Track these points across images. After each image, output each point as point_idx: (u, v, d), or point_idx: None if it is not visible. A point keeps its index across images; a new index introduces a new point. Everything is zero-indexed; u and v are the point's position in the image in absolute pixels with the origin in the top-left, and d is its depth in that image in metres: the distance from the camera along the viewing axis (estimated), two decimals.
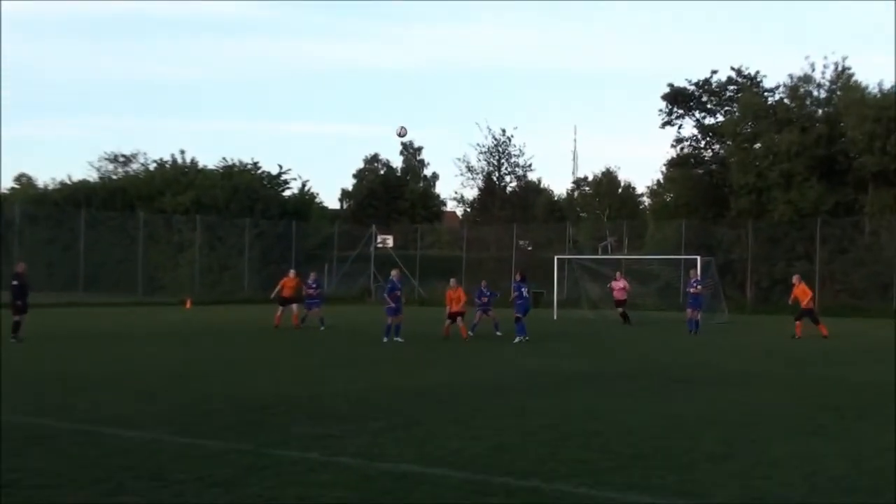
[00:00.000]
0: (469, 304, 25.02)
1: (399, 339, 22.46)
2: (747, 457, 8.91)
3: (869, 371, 16.88)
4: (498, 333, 24.65)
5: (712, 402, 12.43)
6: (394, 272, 23.91)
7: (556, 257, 39.46)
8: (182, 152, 57.16)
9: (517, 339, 22.89)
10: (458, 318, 23.59)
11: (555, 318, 35.11)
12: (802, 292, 26.36)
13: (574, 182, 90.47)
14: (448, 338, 23.44)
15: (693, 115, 53.19)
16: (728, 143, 48.70)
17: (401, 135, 25.88)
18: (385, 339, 22.30)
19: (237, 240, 50.91)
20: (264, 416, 10.95)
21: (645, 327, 30.70)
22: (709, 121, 53.01)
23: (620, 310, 32.33)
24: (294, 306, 27.01)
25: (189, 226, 50.30)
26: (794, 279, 27.09)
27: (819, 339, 24.71)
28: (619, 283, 32.85)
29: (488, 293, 26.05)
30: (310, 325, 26.81)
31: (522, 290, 23.95)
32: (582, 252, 55.63)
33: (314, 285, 27.58)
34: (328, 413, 11.23)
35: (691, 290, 28.48)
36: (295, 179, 61.72)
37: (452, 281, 24.73)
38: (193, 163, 57.47)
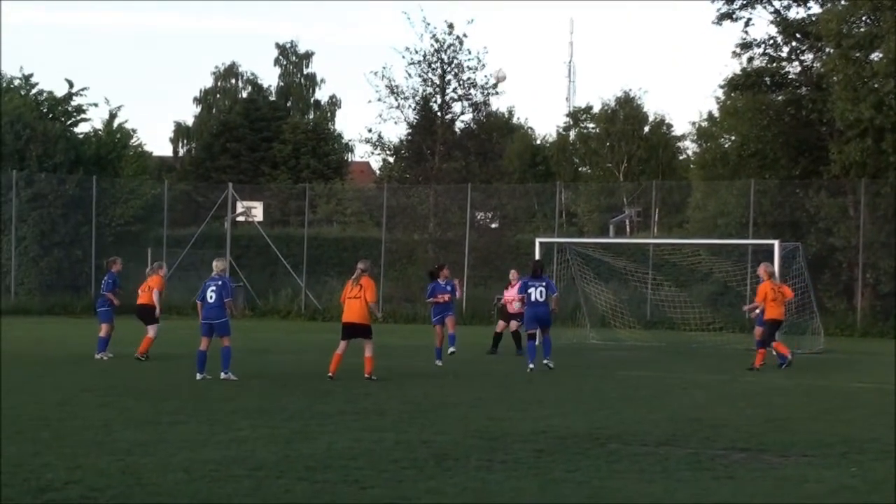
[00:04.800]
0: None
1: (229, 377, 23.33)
2: None
3: None
4: (452, 350, 29.01)
5: (795, 486, 12.94)
6: (217, 263, 24.91)
7: (537, 240, 39.74)
8: None
9: (531, 366, 26.87)
10: (367, 344, 23.68)
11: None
12: (765, 293, 28.22)
13: (569, 115, 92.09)
14: (333, 378, 23.65)
15: (769, 3, 53.48)
16: (828, 49, 49.69)
17: (500, 79, 27.74)
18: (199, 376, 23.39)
19: None
20: None
21: (684, 359, 31.88)
22: (796, 13, 53.60)
23: (514, 325, 33.03)
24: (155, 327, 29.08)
25: None
26: (761, 270, 29.03)
27: None
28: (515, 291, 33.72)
29: (449, 286, 29.38)
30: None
31: (543, 287, 27.56)
32: (582, 232, 56.38)
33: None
34: None
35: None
36: (96, 105, 61.33)
37: (360, 267, 24.33)
38: None
